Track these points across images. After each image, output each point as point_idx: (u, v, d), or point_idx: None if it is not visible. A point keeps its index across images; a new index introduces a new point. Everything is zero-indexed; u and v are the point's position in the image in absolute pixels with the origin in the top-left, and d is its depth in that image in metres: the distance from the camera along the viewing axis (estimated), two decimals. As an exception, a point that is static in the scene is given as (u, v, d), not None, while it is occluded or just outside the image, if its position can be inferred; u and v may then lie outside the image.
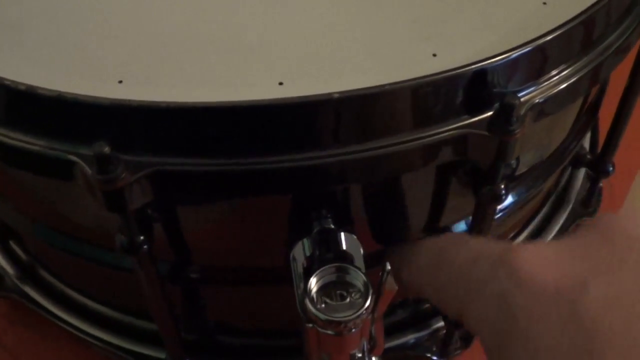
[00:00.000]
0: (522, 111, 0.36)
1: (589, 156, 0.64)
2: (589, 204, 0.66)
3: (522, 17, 0.41)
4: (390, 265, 0.39)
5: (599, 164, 0.63)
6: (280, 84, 0.36)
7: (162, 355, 0.52)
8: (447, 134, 0.36)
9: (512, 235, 0.61)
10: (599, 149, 0.63)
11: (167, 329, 0.48)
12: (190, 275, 0.46)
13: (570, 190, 0.67)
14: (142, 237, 0.37)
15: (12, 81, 0.35)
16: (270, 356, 0.54)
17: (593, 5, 0.40)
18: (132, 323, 0.56)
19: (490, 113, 0.36)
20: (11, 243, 0.62)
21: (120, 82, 0.37)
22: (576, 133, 0.55)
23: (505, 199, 0.40)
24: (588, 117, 0.57)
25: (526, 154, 0.49)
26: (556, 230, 0.64)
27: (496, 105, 0.36)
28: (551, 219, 0.65)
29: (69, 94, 0.34)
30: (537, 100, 0.38)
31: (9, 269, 0.61)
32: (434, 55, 0.38)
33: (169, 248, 0.44)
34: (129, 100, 0.33)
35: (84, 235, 0.47)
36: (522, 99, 0.37)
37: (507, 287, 0.28)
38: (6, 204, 0.50)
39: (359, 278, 0.38)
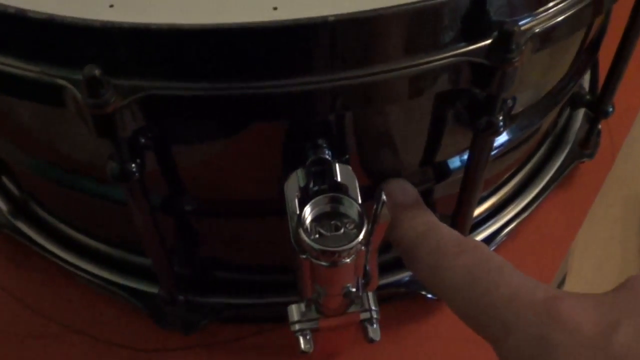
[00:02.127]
0: (522, 40, 0.36)
1: (588, 97, 0.63)
2: (587, 145, 0.66)
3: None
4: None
5: (599, 105, 0.62)
6: (275, 8, 0.35)
7: (156, 290, 0.52)
8: (445, 61, 0.35)
9: (508, 174, 0.61)
10: (599, 90, 0.62)
11: (159, 263, 0.48)
12: (182, 207, 0.46)
13: (569, 131, 0.66)
14: (133, 165, 0.37)
15: (1, 4, 0.34)
16: (264, 291, 0.54)
17: None
18: (125, 258, 0.56)
19: (489, 41, 0.36)
20: (4, 179, 0.62)
21: (112, 6, 0.36)
22: (574, 72, 0.54)
23: (503, 131, 0.40)
24: (587, 56, 0.56)
25: (523, 91, 0.49)
26: (554, 170, 0.64)
27: (495, 33, 0.35)
28: (549, 160, 0.65)
29: (59, 16, 0.33)
30: (536, 30, 0.37)
31: (1, 204, 0.61)
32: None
33: (161, 179, 0.43)
34: (120, 23, 0.33)
35: (77, 167, 0.46)
36: (521, 28, 0.36)
37: (549, 330, 0.32)
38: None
39: (353, 208, 0.38)
